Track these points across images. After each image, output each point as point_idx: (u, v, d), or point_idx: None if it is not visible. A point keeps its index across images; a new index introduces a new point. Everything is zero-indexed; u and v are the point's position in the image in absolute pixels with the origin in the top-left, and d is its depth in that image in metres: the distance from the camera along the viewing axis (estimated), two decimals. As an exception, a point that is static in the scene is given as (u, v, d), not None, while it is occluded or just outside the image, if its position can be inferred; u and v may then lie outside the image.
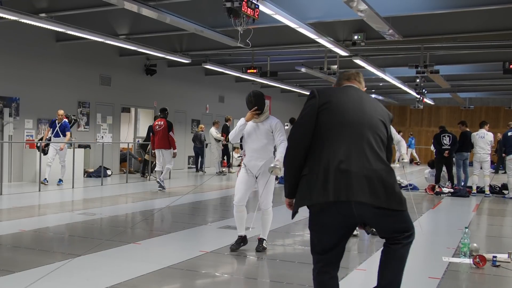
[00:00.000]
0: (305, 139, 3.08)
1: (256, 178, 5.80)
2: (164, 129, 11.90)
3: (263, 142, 5.72)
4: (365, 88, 3.43)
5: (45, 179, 11.81)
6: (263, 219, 5.91)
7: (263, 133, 5.73)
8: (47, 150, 12.16)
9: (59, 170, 12.29)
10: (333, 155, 2.98)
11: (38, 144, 12.15)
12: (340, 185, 2.92)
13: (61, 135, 12.15)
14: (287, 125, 16.56)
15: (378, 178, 2.94)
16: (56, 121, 12.20)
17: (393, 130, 7.63)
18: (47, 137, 12.25)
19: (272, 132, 5.73)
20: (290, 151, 3.16)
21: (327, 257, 3.14)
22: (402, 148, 7.87)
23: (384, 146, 3.10)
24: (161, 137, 11.87)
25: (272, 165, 5.39)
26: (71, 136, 12.66)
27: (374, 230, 3.23)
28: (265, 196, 5.80)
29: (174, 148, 12.03)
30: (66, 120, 12.50)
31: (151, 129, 12.89)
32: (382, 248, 3.15)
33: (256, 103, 5.73)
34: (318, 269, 3.16)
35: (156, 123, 12.14)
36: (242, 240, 5.93)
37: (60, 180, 12.21)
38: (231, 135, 5.90)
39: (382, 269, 3.12)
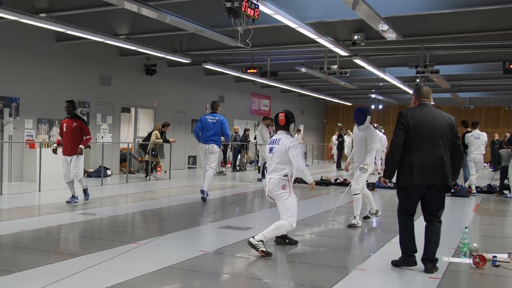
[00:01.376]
0: (400, 146, 5.09)
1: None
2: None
3: None
4: (432, 99, 5.42)
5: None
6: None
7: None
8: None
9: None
10: (416, 156, 5.04)
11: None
12: (420, 175, 5.01)
13: None
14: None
15: (445, 166, 5.05)
16: None
17: (371, 136, 7.55)
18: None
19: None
20: (392, 151, 5.12)
21: (408, 213, 5.28)
22: (369, 157, 7.50)
23: (448, 146, 5.11)
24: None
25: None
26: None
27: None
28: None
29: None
30: None
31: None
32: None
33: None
34: (401, 219, 5.32)
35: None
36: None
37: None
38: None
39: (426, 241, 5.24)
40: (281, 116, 6.05)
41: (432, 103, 5.38)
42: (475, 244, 5.81)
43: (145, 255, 5.70)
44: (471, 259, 5.54)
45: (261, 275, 5.25)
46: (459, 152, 5.19)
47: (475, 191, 12.62)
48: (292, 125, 6.08)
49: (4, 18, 10.01)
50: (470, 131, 13.10)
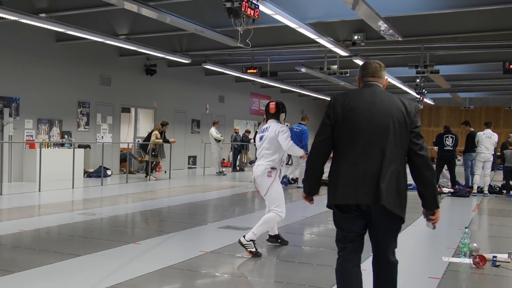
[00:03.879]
0: (324, 147, 3.39)
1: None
2: None
3: None
4: (386, 78, 3.56)
5: None
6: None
7: None
8: None
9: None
10: (343, 161, 3.30)
11: None
12: (346, 189, 3.25)
13: None
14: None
15: (380, 178, 3.17)
16: None
17: None
18: None
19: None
20: (312, 155, 3.47)
21: (347, 247, 3.43)
22: None
23: (397, 146, 3.23)
24: None
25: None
26: None
27: None
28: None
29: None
30: None
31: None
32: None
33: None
34: (342, 258, 3.46)
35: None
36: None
37: None
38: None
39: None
40: (272, 105, 5.95)
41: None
42: (475, 244, 5.81)
43: (145, 255, 5.70)
44: (471, 259, 5.54)
45: (261, 275, 5.25)
46: (421, 161, 3.26)
47: (475, 191, 12.60)
48: (283, 115, 5.94)
49: (4, 18, 10.01)
50: (473, 131, 13.13)
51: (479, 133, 12.84)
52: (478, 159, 12.71)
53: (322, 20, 10.20)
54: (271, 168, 5.70)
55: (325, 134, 3.37)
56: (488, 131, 12.78)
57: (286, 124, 6.10)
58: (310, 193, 3.59)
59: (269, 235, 6.22)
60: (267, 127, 5.90)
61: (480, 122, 13.93)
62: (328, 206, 3.44)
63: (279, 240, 6.27)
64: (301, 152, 5.96)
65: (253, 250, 5.60)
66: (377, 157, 3.21)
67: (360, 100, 3.36)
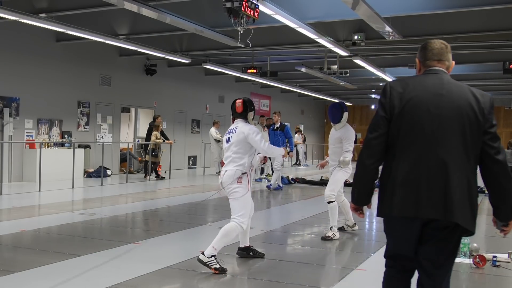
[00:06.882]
0: (377, 146, 2.85)
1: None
2: None
3: None
4: (453, 62, 2.98)
5: None
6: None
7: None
8: None
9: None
10: (401, 164, 2.78)
11: None
12: (404, 198, 2.75)
13: None
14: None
15: (450, 185, 2.70)
16: None
17: (347, 137, 6.77)
18: None
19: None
20: (363, 157, 2.89)
21: (393, 263, 3.02)
22: (347, 154, 6.78)
23: (467, 149, 2.74)
24: None
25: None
26: None
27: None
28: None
29: None
30: None
31: None
32: None
33: None
34: (386, 263, 3.07)
35: None
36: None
37: None
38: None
39: None
40: (239, 103, 5.39)
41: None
42: (475, 244, 5.81)
43: (145, 255, 5.70)
44: (471, 259, 5.54)
45: (261, 275, 5.25)
46: (498, 168, 2.77)
47: None
48: (251, 114, 5.39)
49: (4, 18, 10.01)
50: None
51: None
52: None
53: (322, 20, 10.19)
54: (242, 173, 5.19)
55: (381, 128, 2.82)
56: None
57: (255, 122, 5.64)
58: (359, 203, 2.98)
59: (238, 247, 5.68)
60: (234, 128, 5.36)
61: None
62: (380, 216, 2.91)
63: (251, 253, 5.69)
64: (281, 151, 5.50)
65: (217, 266, 5.03)
66: (443, 161, 2.71)
67: (423, 90, 2.81)
